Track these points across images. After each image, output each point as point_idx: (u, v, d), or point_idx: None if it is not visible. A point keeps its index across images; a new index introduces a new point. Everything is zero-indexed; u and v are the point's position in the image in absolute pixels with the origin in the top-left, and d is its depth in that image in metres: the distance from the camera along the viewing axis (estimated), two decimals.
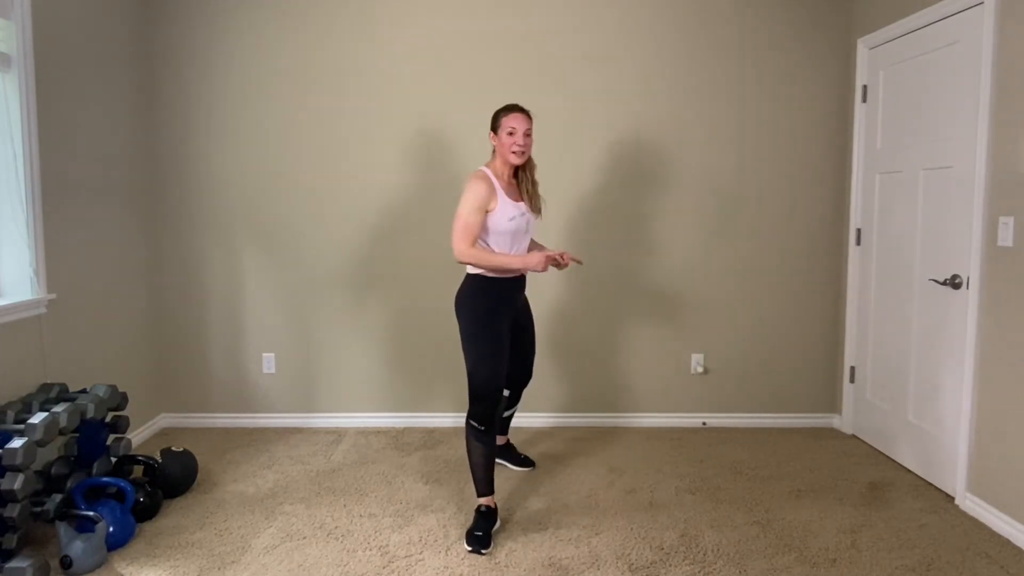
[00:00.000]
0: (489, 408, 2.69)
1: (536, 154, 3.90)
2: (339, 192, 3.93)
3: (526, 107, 2.82)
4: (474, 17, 3.85)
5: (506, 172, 2.79)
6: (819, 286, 4.01)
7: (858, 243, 3.83)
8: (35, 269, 2.97)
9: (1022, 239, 2.66)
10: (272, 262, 3.97)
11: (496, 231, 2.70)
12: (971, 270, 2.91)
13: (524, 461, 3.42)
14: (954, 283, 3.03)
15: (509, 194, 2.74)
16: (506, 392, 3.21)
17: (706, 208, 3.95)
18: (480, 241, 2.71)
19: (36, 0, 2.99)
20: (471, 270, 2.77)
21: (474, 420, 2.69)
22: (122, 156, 3.64)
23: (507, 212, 2.69)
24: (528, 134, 2.75)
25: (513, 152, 2.72)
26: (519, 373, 3.15)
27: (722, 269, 3.99)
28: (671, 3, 3.85)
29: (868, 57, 3.72)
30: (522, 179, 2.84)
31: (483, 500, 2.76)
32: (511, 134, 2.72)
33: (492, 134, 2.80)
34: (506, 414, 3.33)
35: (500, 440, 3.36)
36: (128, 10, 3.69)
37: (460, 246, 2.63)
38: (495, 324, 2.73)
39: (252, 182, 3.92)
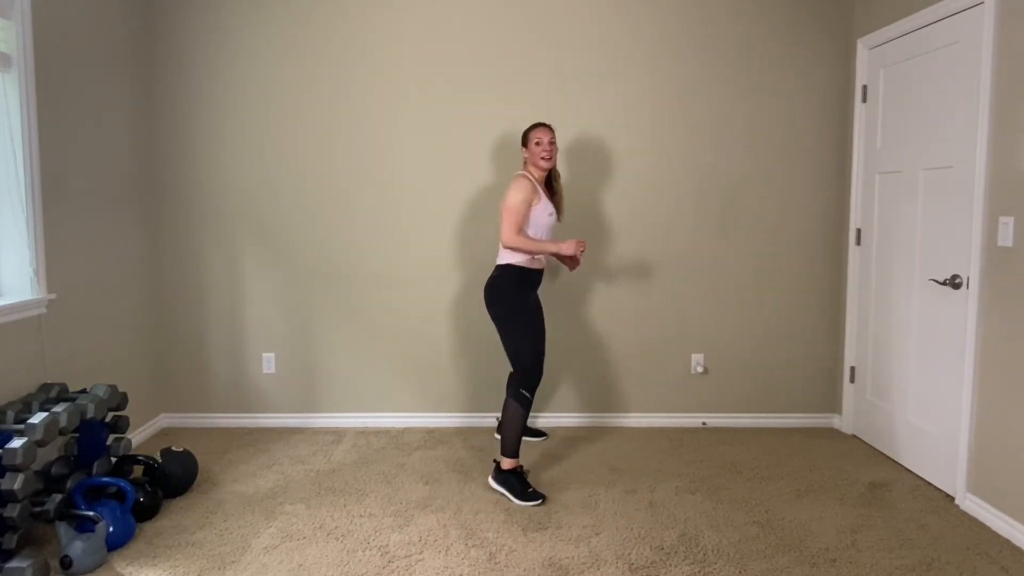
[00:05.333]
0: (538, 376, 3.11)
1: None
2: (340, 192, 3.93)
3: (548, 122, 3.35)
4: (477, 18, 3.85)
5: (540, 178, 3.19)
6: (819, 286, 4.01)
7: (858, 243, 3.83)
8: (35, 269, 2.97)
9: (1022, 239, 2.66)
10: (272, 262, 3.97)
11: (536, 224, 3.12)
12: (971, 270, 2.91)
13: (537, 432, 3.87)
14: (954, 283, 3.03)
15: (546, 195, 3.18)
16: None
17: (706, 208, 3.95)
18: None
19: (36, 0, 2.99)
20: (505, 261, 3.15)
21: (525, 390, 3.08)
22: (122, 156, 3.64)
23: (547, 208, 3.14)
24: (552, 142, 3.15)
25: (542, 158, 3.13)
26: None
27: (722, 269, 3.99)
28: (672, 3, 3.85)
29: (868, 57, 3.72)
30: (556, 189, 3.27)
31: (515, 462, 3.13)
32: (538, 144, 3.13)
33: (523, 148, 3.20)
34: None
35: None
36: (128, 10, 3.69)
37: (510, 233, 3.02)
38: (528, 306, 3.17)
39: (253, 182, 3.92)
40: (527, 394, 3.08)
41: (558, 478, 3.30)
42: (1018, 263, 2.68)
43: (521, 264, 3.13)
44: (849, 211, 3.91)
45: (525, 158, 3.21)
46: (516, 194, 3.05)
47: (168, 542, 2.69)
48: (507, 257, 3.15)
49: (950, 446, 3.09)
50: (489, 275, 3.27)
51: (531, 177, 3.14)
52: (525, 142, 3.19)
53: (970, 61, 2.93)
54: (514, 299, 3.12)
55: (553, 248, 3.05)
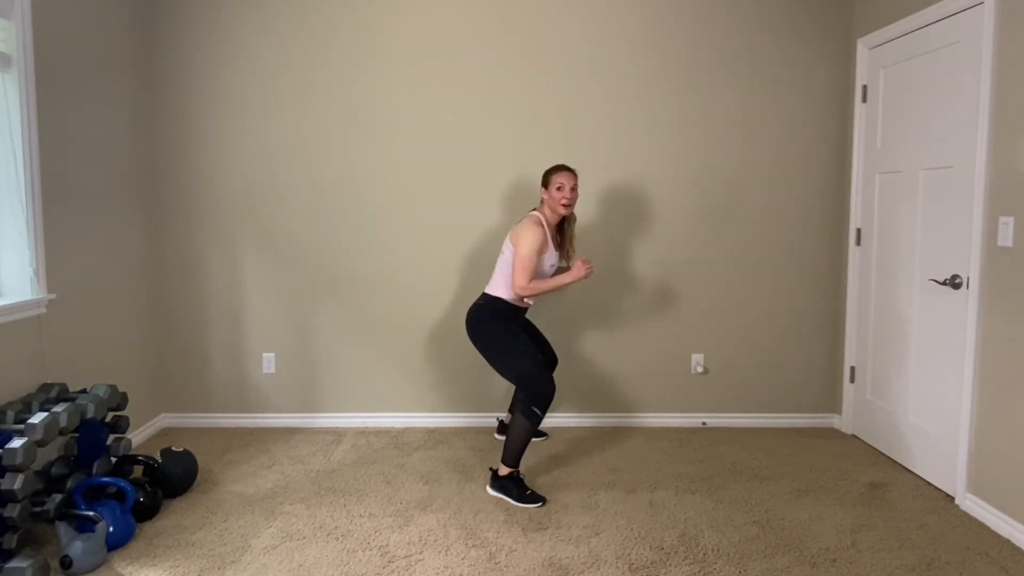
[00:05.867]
0: (548, 389, 3.02)
1: (539, 155, 3.89)
2: (339, 192, 3.93)
3: (572, 166, 3.26)
4: (479, 21, 3.85)
5: (553, 221, 3.19)
6: (819, 286, 4.01)
7: (858, 243, 3.83)
8: (35, 269, 2.97)
9: (1022, 239, 2.66)
10: (272, 262, 3.97)
11: (537, 272, 3.12)
12: (971, 270, 2.91)
13: (538, 432, 3.79)
14: (954, 283, 3.03)
15: (553, 242, 3.18)
16: None
17: (706, 208, 3.95)
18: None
19: (36, 0, 2.99)
20: (496, 293, 3.19)
21: (538, 408, 3.01)
22: (122, 156, 3.64)
23: (550, 259, 3.16)
24: (574, 188, 3.13)
25: (562, 205, 3.12)
26: (547, 360, 3.53)
27: (722, 269, 3.99)
28: (672, 3, 3.85)
29: (868, 57, 3.72)
30: (567, 232, 3.27)
31: (514, 469, 3.09)
32: (560, 189, 3.11)
33: (543, 188, 3.18)
34: None
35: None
36: (128, 10, 3.69)
37: (522, 281, 3.04)
38: (514, 326, 3.19)
39: (253, 182, 3.92)
40: (538, 411, 3.02)
41: (558, 478, 3.30)
42: (1018, 263, 2.68)
43: (509, 300, 3.18)
44: (849, 211, 3.91)
45: (543, 198, 3.17)
46: (530, 243, 3.03)
47: (168, 542, 2.69)
48: (499, 291, 3.18)
49: (950, 446, 3.09)
50: (474, 302, 3.30)
51: (544, 222, 3.13)
52: (546, 183, 3.15)
53: (970, 61, 2.93)
54: (498, 323, 3.15)
55: (568, 281, 3.08)
